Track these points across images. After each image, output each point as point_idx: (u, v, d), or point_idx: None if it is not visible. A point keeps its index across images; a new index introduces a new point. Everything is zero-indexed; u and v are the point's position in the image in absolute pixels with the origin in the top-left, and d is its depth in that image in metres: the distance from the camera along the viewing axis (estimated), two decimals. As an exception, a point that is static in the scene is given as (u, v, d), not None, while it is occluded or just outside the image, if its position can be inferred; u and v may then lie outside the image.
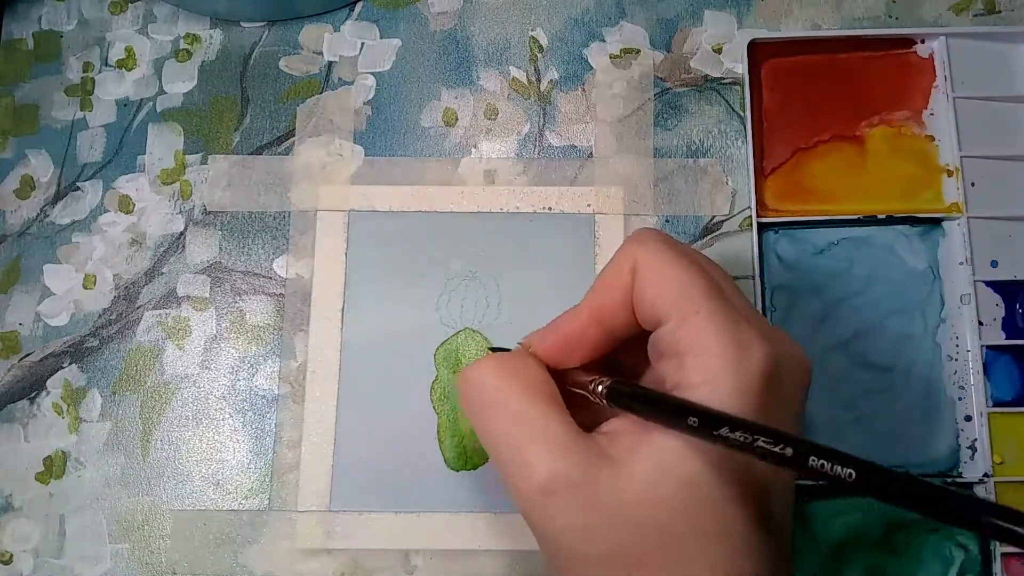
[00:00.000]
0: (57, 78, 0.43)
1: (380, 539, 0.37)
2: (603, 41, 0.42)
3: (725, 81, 0.42)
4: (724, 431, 0.22)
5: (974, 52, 0.40)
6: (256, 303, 0.40)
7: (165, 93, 0.42)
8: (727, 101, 0.41)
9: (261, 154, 0.41)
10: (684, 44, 0.42)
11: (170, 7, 0.43)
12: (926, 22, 0.42)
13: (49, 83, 0.43)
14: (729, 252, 0.40)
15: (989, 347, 0.38)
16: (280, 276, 0.40)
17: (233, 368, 0.39)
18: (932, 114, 0.40)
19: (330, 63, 0.42)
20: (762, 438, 0.21)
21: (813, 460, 0.20)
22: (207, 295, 0.40)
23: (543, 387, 0.27)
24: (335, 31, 0.43)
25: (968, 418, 0.37)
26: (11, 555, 0.38)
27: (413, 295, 0.39)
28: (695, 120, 0.41)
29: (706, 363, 0.25)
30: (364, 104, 0.42)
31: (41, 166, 0.42)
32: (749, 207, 0.39)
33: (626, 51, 0.42)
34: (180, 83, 0.43)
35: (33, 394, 0.39)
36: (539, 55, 0.42)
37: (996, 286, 0.38)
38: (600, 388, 0.27)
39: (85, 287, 0.40)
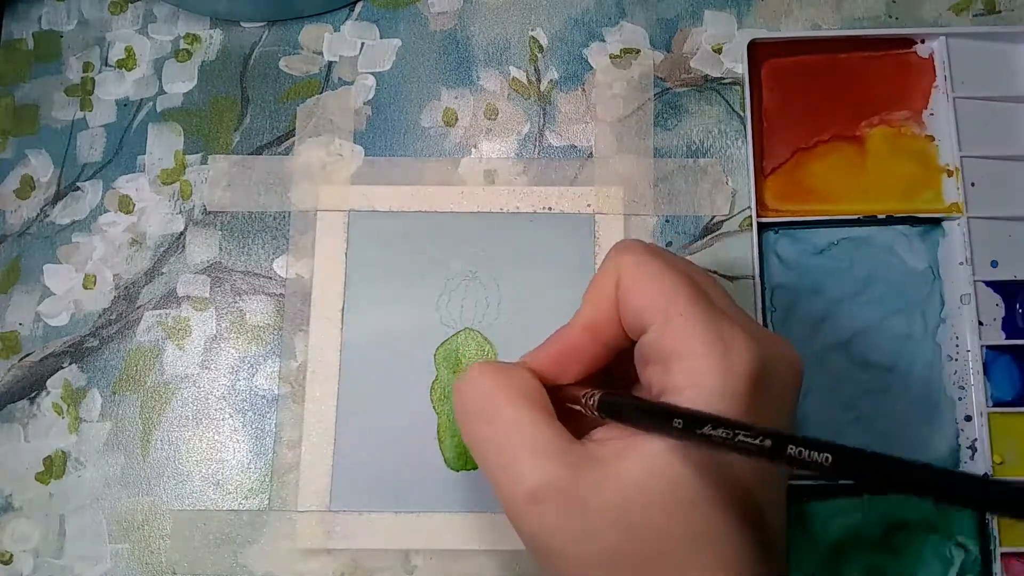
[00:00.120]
0: (57, 78, 0.43)
1: (380, 539, 0.37)
2: (603, 41, 0.42)
3: (725, 81, 0.42)
4: (707, 429, 0.22)
5: (974, 52, 0.40)
6: (256, 303, 0.40)
7: (165, 93, 0.42)
8: (727, 101, 0.41)
9: (261, 154, 0.41)
10: (684, 44, 0.42)
11: (170, 7, 0.43)
12: (926, 22, 0.42)
13: (49, 83, 0.43)
14: (729, 252, 0.40)
15: (989, 347, 0.38)
16: (280, 276, 0.40)
17: (233, 368, 0.39)
18: (932, 114, 0.40)
19: (330, 63, 0.42)
20: (742, 432, 0.21)
21: (791, 449, 0.20)
22: (207, 295, 0.40)
23: (534, 395, 0.27)
24: (335, 31, 0.43)
25: (968, 418, 0.37)
26: (11, 555, 0.38)
27: (413, 295, 0.39)
28: (695, 120, 0.41)
29: (691, 365, 0.25)
30: (364, 104, 0.42)
31: (41, 166, 0.42)
32: (749, 207, 0.39)
33: (626, 51, 0.42)
34: (180, 83, 0.43)
35: (33, 394, 0.39)
36: (539, 55, 0.42)
37: (996, 286, 0.38)
38: (592, 400, 0.27)
39: (85, 287, 0.40)
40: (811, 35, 0.41)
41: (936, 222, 0.39)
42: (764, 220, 0.39)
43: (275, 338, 0.39)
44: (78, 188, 0.41)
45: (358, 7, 0.43)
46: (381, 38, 0.43)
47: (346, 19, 0.43)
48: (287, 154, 0.41)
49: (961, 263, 0.38)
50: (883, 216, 0.39)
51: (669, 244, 0.40)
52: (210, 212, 0.41)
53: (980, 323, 0.38)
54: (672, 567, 0.24)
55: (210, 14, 0.43)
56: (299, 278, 0.40)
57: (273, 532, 0.37)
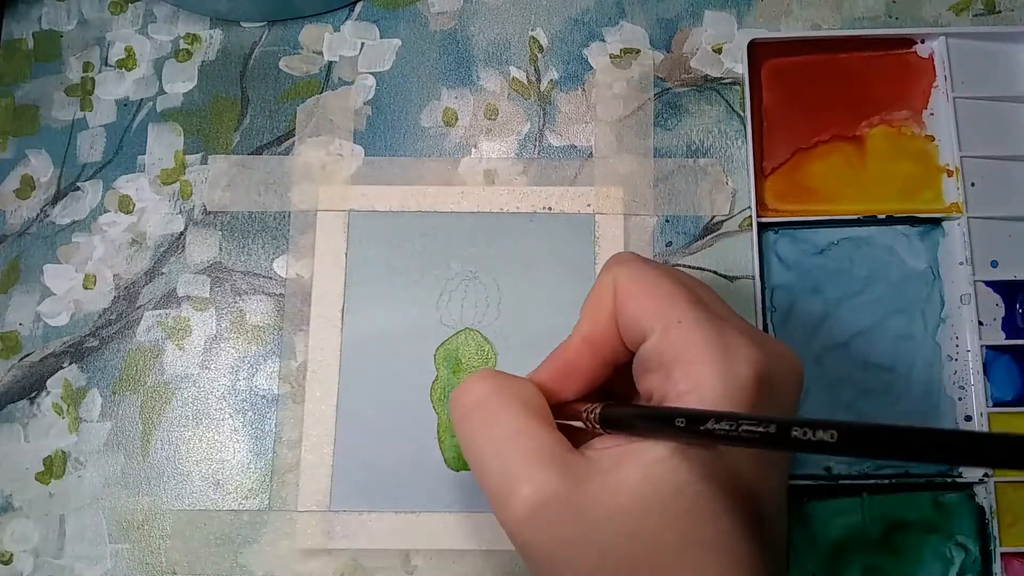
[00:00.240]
0: (57, 78, 0.43)
1: (380, 539, 0.37)
2: (603, 41, 0.42)
3: (725, 81, 0.42)
4: (710, 424, 0.22)
5: (974, 52, 0.40)
6: (256, 303, 0.40)
7: (165, 93, 0.42)
8: (727, 101, 0.41)
9: (261, 154, 0.41)
10: (684, 44, 0.42)
11: (170, 7, 0.43)
12: (926, 22, 0.42)
13: (49, 83, 0.43)
14: (729, 252, 0.40)
15: (989, 347, 0.38)
16: (280, 276, 0.40)
17: (233, 368, 0.39)
18: (932, 114, 0.40)
19: (330, 63, 0.42)
20: (745, 422, 0.21)
21: (796, 431, 0.20)
22: (207, 295, 0.40)
23: (533, 403, 0.27)
24: (335, 31, 0.43)
25: (968, 418, 0.37)
26: (11, 555, 0.38)
27: (413, 295, 0.39)
28: (695, 120, 0.41)
29: (693, 371, 0.25)
30: (364, 104, 0.42)
31: (41, 166, 0.42)
32: (749, 207, 0.39)
33: (626, 51, 0.42)
34: (180, 83, 0.43)
35: (33, 394, 0.39)
36: (539, 55, 0.42)
37: (996, 286, 0.38)
38: (593, 414, 0.26)
39: (85, 287, 0.40)
40: (811, 35, 0.41)
41: (936, 222, 0.39)
42: (764, 220, 0.39)
43: (275, 338, 0.39)
44: (78, 188, 0.41)
45: (358, 7, 0.43)
46: (381, 38, 0.43)
47: (346, 19, 0.43)
48: (287, 154, 0.41)
49: (961, 263, 0.38)
50: (883, 216, 0.39)
51: (669, 244, 0.40)
52: (210, 212, 0.41)
53: (980, 323, 0.38)
54: (674, 572, 0.24)
55: (210, 14, 0.43)
56: (299, 278, 0.40)
57: (273, 532, 0.37)
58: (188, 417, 0.39)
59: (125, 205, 0.41)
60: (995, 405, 0.37)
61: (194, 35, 0.43)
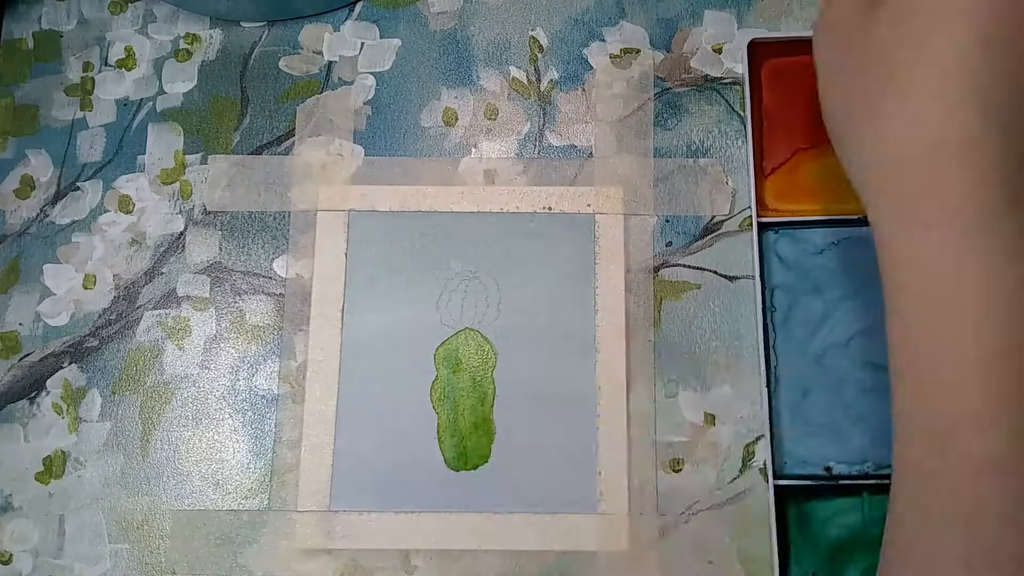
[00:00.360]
0: (57, 78, 0.43)
1: (380, 539, 0.37)
2: (603, 41, 0.42)
3: (725, 81, 0.42)
4: None
5: (974, 52, 0.40)
6: (256, 303, 0.40)
7: (165, 93, 0.42)
8: (727, 101, 0.41)
9: (261, 154, 0.41)
10: (684, 44, 0.42)
11: (170, 7, 0.43)
12: (926, 22, 0.42)
13: (49, 83, 0.43)
14: (729, 252, 0.40)
15: (989, 347, 0.38)
16: (280, 276, 0.40)
17: (233, 368, 0.39)
18: (932, 114, 0.40)
19: (330, 63, 0.42)
20: None
21: None
22: (207, 295, 0.40)
23: None
24: (335, 31, 0.43)
25: (968, 418, 0.37)
26: (11, 555, 0.38)
27: (413, 295, 0.39)
28: (695, 120, 0.41)
29: None
30: (364, 104, 0.42)
31: (41, 166, 0.42)
32: (749, 207, 0.39)
33: (626, 51, 0.42)
34: (180, 83, 0.43)
35: (33, 394, 0.39)
36: (539, 55, 0.42)
37: (996, 286, 0.38)
38: None
39: (85, 287, 0.40)
40: (811, 35, 0.41)
41: (936, 222, 0.39)
42: (764, 220, 0.39)
43: (275, 338, 0.39)
44: (78, 188, 0.41)
45: (358, 7, 0.43)
46: (381, 38, 0.43)
47: (346, 19, 0.43)
48: (287, 154, 0.41)
49: (961, 263, 0.38)
50: (883, 216, 0.39)
51: (669, 244, 0.40)
52: (210, 212, 0.41)
53: (980, 323, 0.38)
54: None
55: (210, 14, 0.43)
56: (299, 278, 0.40)
57: (273, 532, 0.37)
58: (188, 417, 0.39)
59: (125, 205, 0.41)
60: (995, 405, 0.37)
61: (194, 35, 0.43)
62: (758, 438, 0.38)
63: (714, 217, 0.40)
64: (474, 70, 0.42)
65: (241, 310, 0.40)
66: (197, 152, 0.42)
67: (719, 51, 0.42)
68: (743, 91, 0.40)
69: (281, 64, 0.43)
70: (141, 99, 0.42)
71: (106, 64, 0.43)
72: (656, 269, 0.39)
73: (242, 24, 0.43)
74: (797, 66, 0.41)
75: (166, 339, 0.40)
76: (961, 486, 0.24)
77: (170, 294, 0.40)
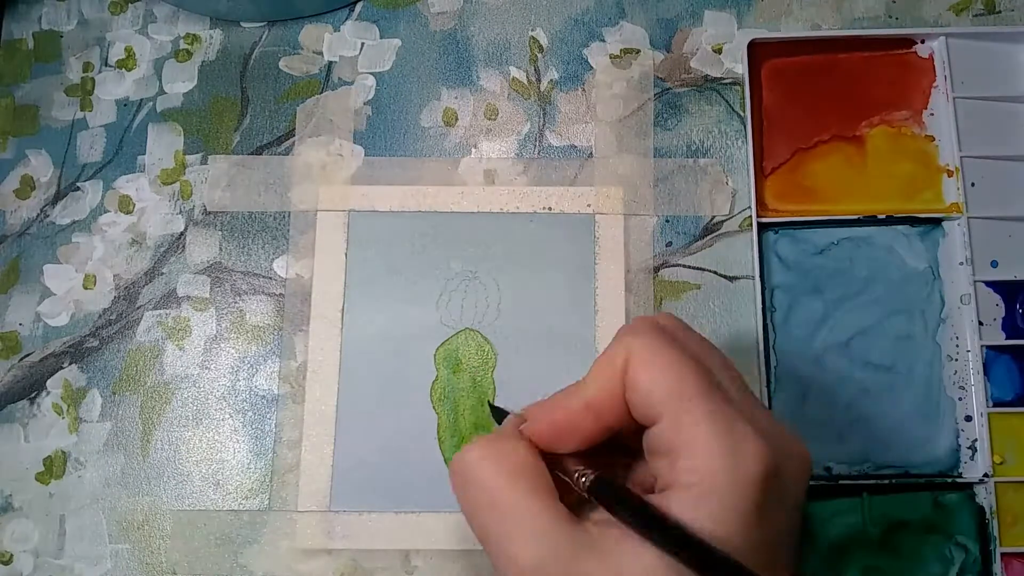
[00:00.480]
0: (57, 78, 0.43)
1: (380, 539, 0.37)
2: (603, 41, 0.42)
3: (725, 81, 0.42)
4: (685, 557, 0.22)
5: (974, 52, 0.40)
6: (256, 303, 0.40)
7: (165, 93, 0.42)
8: (727, 101, 0.41)
9: (261, 154, 0.41)
10: (684, 44, 0.42)
11: (170, 7, 0.43)
12: (926, 22, 0.42)
13: (49, 83, 0.43)
14: (729, 252, 0.40)
15: (989, 347, 0.38)
16: (280, 276, 0.40)
17: (233, 368, 0.39)
18: (932, 114, 0.40)
19: (330, 63, 0.42)
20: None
21: None
22: (207, 295, 0.40)
23: (530, 472, 0.27)
24: (335, 31, 0.43)
25: (968, 418, 0.37)
26: (11, 555, 0.38)
27: (413, 295, 0.39)
28: (695, 120, 0.41)
29: (699, 464, 0.24)
30: (364, 104, 0.42)
31: (41, 166, 0.42)
32: (749, 207, 0.39)
33: (626, 51, 0.42)
34: (180, 83, 0.43)
35: (33, 394, 0.39)
36: (539, 55, 0.42)
37: (996, 286, 0.38)
38: (583, 480, 0.26)
39: (85, 287, 0.40)
40: (811, 35, 0.41)
41: (936, 222, 0.39)
42: (764, 220, 0.39)
43: (275, 338, 0.39)
44: (78, 188, 0.41)
45: (358, 7, 0.43)
46: (381, 38, 0.43)
47: (346, 19, 0.43)
48: (287, 154, 0.41)
49: (961, 263, 0.38)
50: (883, 216, 0.39)
51: (669, 244, 0.40)
52: (210, 212, 0.41)
53: (980, 323, 0.38)
54: None
55: (210, 14, 0.43)
56: (299, 278, 0.40)
57: (273, 532, 0.37)
58: (188, 417, 0.39)
59: (125, 205, 0.41)
60: (995, 405, 0.37)
61: (194, 35, 0.43)
62: (758, 438, 0.37)
63: (714, 217, 0.40)
64: (474, 70, 0.42)
65: (241, 310, 0.40)
66: (197, 152, 0.42)
67: (719, 51, 0.42)
68: (743, 91, 0.40)
69: (281, 64, 0.43)
70: (141, 99, 0.42)
71: (106, 64, 0.43)
72: (656, 269, 0.39)
73: (242, 24, 0.43)
74: (797, 66, 0.41)
75: (166, 339, 0.40)
76: None
77: (170, 294, 0.40)
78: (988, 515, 0.36)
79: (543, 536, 0.25)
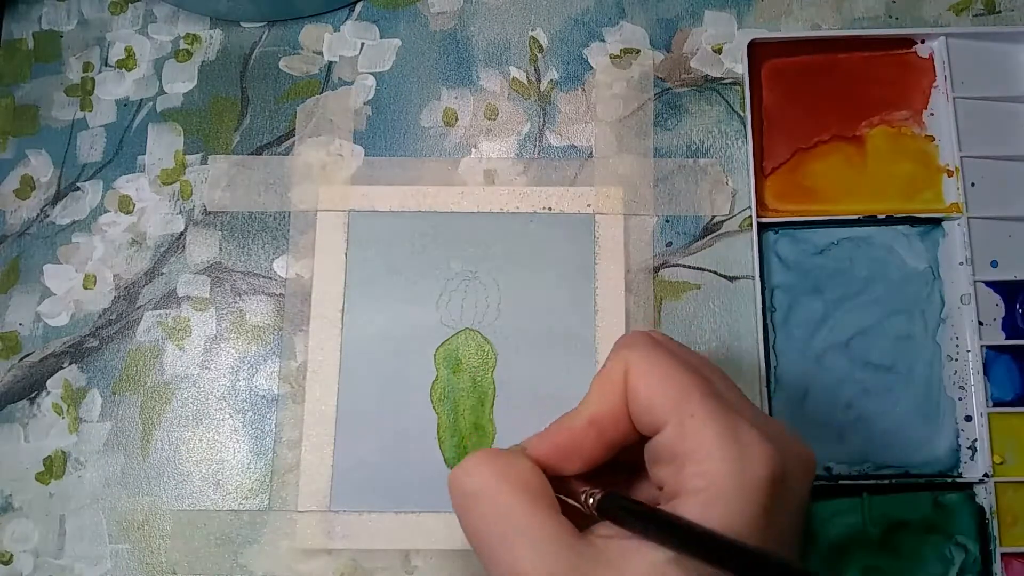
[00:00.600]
0: (57, 78, 0.43)
1: (380, 539, 0.37)
2: (603, 41, 0.42)
3: (725, 81, 0.42)
4: (702, 552, 0.22)
5: (974, 52, 0.40)
6: (256, 303, 0.40)
7: (165, 93, 0.42)
8: (727, 101, 0.41)
9: (261, 154, 0.41)
10: (684, 44, 0.42)
11: (170, 7, 0.43)
12: (926, 22, 0.42)
13: (49, 83, 0.43)
14: (729, 252, 0.40)
15: (989, 347, 0.38)
16: (280, 276, 0.40)
17: (233, 368, 0.39)
18: (932, 114, 0.40)
19: (330, 63, 0.42)
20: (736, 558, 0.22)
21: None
22: (207, 295, 0.40)
23: (536, 486, 0.26)
24: (335, 31, 0.43)
25: (968, 418, 0.37)
26: (11, 555, 0.38)
27: (413, 295, 0.39)
28: (695, 120, 0.41)
29: (706, 469, 0.24)
30: (364, 104, 0.42)
31: (41, 166, 0.42)
32: (749, 207, 0.39)
33: (626, 51, 0.42)
34: (180, 83, 0.43)
35: (33, 394, 0.39)
36: (539, 55, 0.42)
37: (996, 286, 0.38)
38: (591, 500, 0.26)
39: (85, 287, 0.40)
40: (811, 35, 0.41)
41: (936, 222, 0.39)
42: (764, 220, 0.39)
43: (275, 338, 0.39)
44: (78, 188, 0.41)
45: (358, 7, 0.43)
46: (381, 38, 0.43)
47: (346, 19, 0.43)
48: (287, 154, 0.41)
49: (961, 263, 0.38)
50: (883, 216, 0.39)
51: (669, 244, 0.40)
52: (210, 212, 0.41)
53: (980, 323, 0.38)
54: None
55: (210, 14, 0.43)
56: (299, 278, 0.40)
57: (273, 532, 0.37)
58: (188, 417, 0.39)
59: (125, 205, 0.41)
60: (995, 405, 0.37)
61: (194, 35, 0.43)
62: (758, 438, 0.37)
63: (714, 217, 0.40)
64: (474, 70, 0.42)
65: (241, 310, 0.40)
66: (197, 152, 0.42)
67: (719, 51, 0.42)
68: (743, 91, 0.40)
69: (281, 64, 0.43)
70: (141, 99, 0.42)
71: (106, 64, 0.43)
72: (656, 269, 0.39)
73: (242, 24, 0.43)
74: (797, 66, 0.41)
75: (166, 339, 0.40)
76: None
77: (170, 294, 0.40)
78: (988, 515, 0.36)
79: (548, 547, 0.25)
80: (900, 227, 0.39)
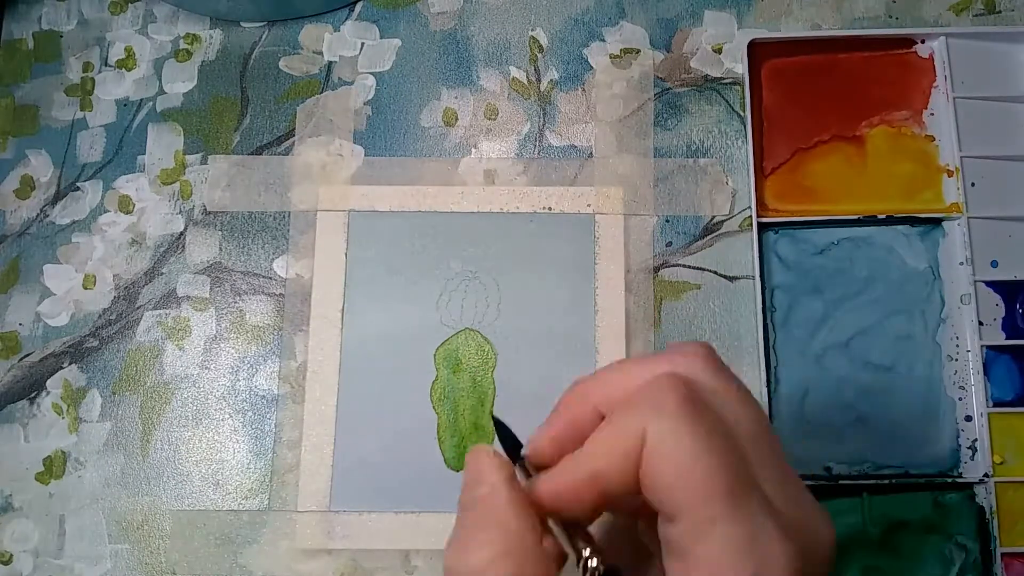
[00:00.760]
0: (57, 78, 0.43)
1: (380, 539, 0.37)
2: (603, 41, 0.42)
3: (725, 81, 0.42)
4: None
5: (974, 52, 0.40)
6: (256, 303, 0.40)
7: (165, 93, 0.42)
8: (727, 101, 0.41)
9: (261, 154, 0.41)
10: (684, 44, 0.42)
11: (170, 7, 0.43)
12: (926, 22, 0.42)
13: (49, 83, 0.43)
14: (729, 252, 0.40)
15: (989, 347, 0.38)
16: (280, 276, 0.40)
17: (233, 368, 0.39)
18: (932, 114, 0.40)
19: (330, 63, 0.42)
20: None
21: None
22: (207, 295, 0.40)
23: (531, 512, 0.25)
24: (335, 31, 0.43)
25: (968, 418, 0.37)
26: (11, 555, 0.38)
27: (413, 295, 0.39)
28: (695, 120, 0.41)
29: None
30: (364, 104, 0.42)
31: (41, 166, 0.42)
32: (749, 207, 0.39)
33: (626, 51, 0.42)
34: (180, 83, 0.43)
35: (33, 394, 0.39)
36: (539, 55, 0.42)
37: (996, 286, 0.38)
38: (591, 563, 0.24)
39: (85, 287, 0.40)
40: (811, 35, 0.41)
41: (936, 222, 0.39)
42: (764, 220, 0.39)
43: (275, 338, 0.39)
44: (78, 188, 0.41)
45: (358, 7, 0.43)
46: (381, 38, 0.43)
47: (346, 19, 0.43)
48: (287, 154, 0.41)
49: (961, 263, 0.38)
50: (883, 216, 0.39)
51: (669, 244, 0.40)
52: (210, 212, 0.41)
53: (980, 323, 0.38)
54: None
55: (210, 14, 0.43)
56: (299, 278, 0.40)
57: (273, 532, 0.37)
58: (188, 417, 0.39)
59: (125, 205, 0.41)
60: (995, 405, 0.37)
61: (194, 35, 0.43)
62: (758, 438, 0.37)
63: (714, 217, 0.40)
64: (474, 70, 0.42)
65: (241, 310, 0.40)
66: (197, 152, 0.42)
67: (719, 51, 0.42)
68: (743, 91, 0.40)
69: (281, 64, 0.43)
70: (141, 99, 0.42)
71: (106, 64, 0.43)
72: (656, 269, 0.39)
73: (242, 24, 0.43)
74: (797, 66, 0.41)
75: (166, 339, 0.40)
76: None
77: (170, 294, 0.40)
78: (988, 515, 0.36)
79: (508, 547, 0.24)
80: (900, 227, 0.39)
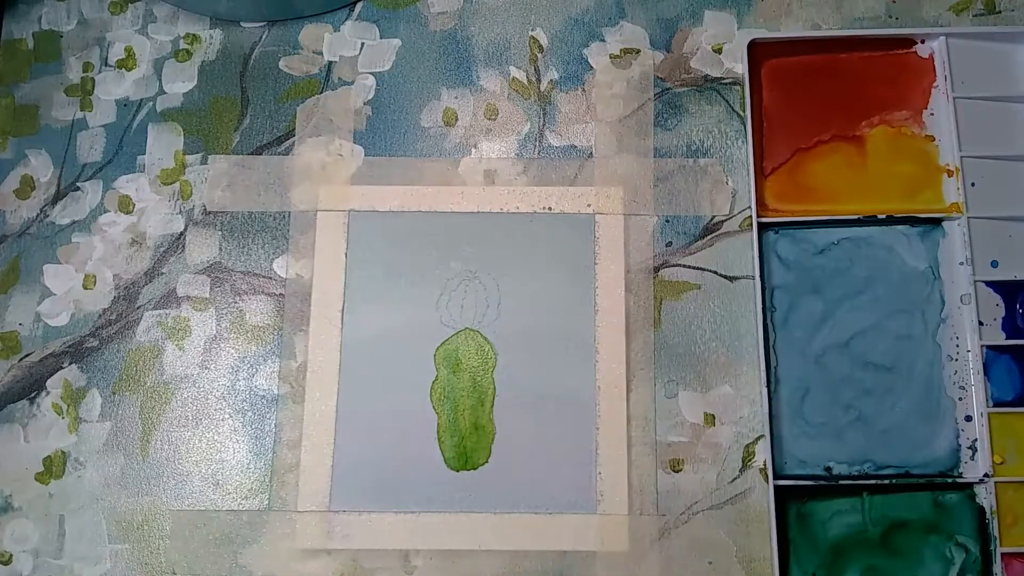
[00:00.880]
0: (57, 78, 0.43)
1: (380, 539, 0.37)
2: (603, 41, 0.42)
3: (725, 81, 0.42)
4: None
5: (974, 52, 0.40)
6: (256, 303, 0.40)
7: (165, 93, 0.42)
8: (727, 101, 0.41)
9: (261, 154, 0.41)
10: (684, 44, 0.42)
11: (170, 7, 0.43)
12: (926, 22, 0.42)
13: (49, 83, 0.43)
14: (729, 252, 0.40)
15: (989, 347, 0.38)
16: (280, 276, 0.40)
17: (233, 368, 0.39)
18: (932, 114, 0.40)
19: (330, 63, 0.42)
20: None
21: None
22: (207, 295, 0.40)
23: None
24: (335, 31, 0.43)
25: (968, 418, 0.37)
26: (11, 555, 0.38)
27: (413, 295, 0.39)
28: (695, 120, 0.41)
29: None
30: (364, 104, 0.42)
31: (41, 166, 0.42)
32: (749, 207, 0.39)
33: (626, 51, 0.42)
34: (180, 83, 0.43)
35: (33, 394, 0.39)
36: (539, 55, 0.42)
37: (996, 286, 0.38)
38: None
39: (85, 287, 0.40)
40: (811, 35, 0.41)
41: (936, 222, 0.39)
42: (764, 220, 0.39)
43: (275, 338, 0.39)
44: (78, 188, 0.41)
45: (358, 7, 0.43)
46: (381, 38, 0.43)
47: (346, 19, 0.43)
48: (287, 154, 0.41)
49: (961, 263, 0.38)
50: (883, 216, 0.39)
51: (669, 244, 0.40)
52: (210, 212, 0.41)
53: (980, 323, 0.38)
54: None
55: (210, 14, 0.43)
56: (299, 278, 0.40)
57: (273, 532, 0.37)
58: (188, 417, 0.39)
59: (125, 205, 0.41)
60: (995, 405, 0.37)
61: (194, 35, 0.43)
62: (758, 438, 0.38)
63: (714, 217, 0.40)
64: (474, 70, 0.42)
65: (241, 310, 0.40)
66: (197, 152, 0.42)
67: (719, 51, 0.42)
68: (743, 91, 0.40)
69: (281, 64, 0.43)
70: (141, 99, 0.42)
71: (106, 64, 0.43)
72: (656, 269, 0.39)
73: (242, 24, 0.43)
74: (797, 66, 0.41)
75: (166, 339, 0.40)
76: None
77: (170, 294, 0.40)
78: (988, 515, 0.36)
79: None
80: (900, 227, 0.39)
